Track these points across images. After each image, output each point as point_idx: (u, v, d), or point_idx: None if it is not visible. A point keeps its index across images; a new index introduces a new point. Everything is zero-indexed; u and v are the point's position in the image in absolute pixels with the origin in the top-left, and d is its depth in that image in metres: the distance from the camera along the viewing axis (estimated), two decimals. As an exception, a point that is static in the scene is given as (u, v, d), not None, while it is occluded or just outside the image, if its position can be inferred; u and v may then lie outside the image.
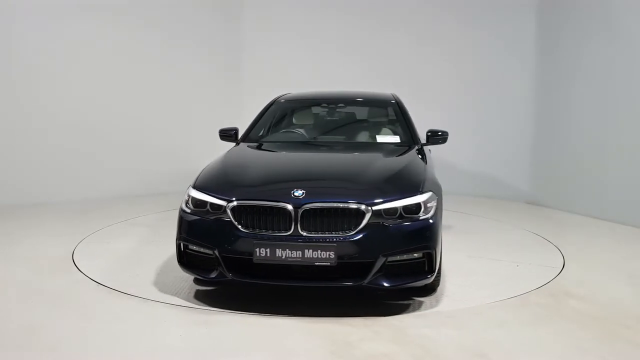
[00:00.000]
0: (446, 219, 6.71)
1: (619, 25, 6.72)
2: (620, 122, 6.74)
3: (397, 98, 5.61)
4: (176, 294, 4.15)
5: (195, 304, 3.92)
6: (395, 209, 3.73)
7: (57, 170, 7.60)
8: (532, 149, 8.21)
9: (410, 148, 4.85)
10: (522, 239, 6.01)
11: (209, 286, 4.23)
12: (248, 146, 5.05)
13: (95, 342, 3.39)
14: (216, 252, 3.75)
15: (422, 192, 3.87)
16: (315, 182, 4.07)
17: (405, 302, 4.05)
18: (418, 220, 3.75)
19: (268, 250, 3.64)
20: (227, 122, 5.94)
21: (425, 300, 4.02)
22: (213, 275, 3.81)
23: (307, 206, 3.67)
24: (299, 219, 3.66)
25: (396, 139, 5.13)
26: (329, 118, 5.82)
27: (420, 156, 4.75)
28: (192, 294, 4.16)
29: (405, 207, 3.75)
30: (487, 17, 8.40)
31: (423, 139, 5.14)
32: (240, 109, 7.90)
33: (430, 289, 4.12)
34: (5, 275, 4.57)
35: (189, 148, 8.23)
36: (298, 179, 4.06)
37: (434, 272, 3.80)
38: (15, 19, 7.24)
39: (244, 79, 8.85)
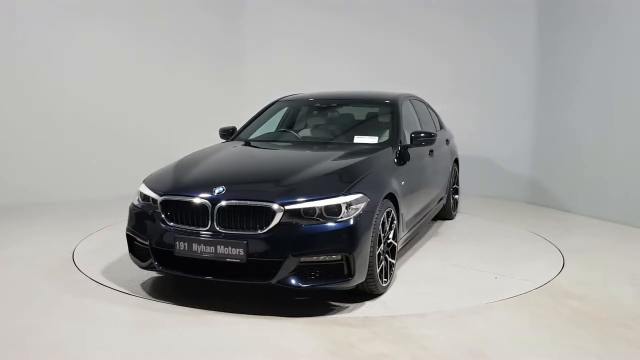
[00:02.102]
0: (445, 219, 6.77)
1: (619, 26, 6.72)
2: (620, 122, 6.74)
3: (398, 99, 5.48)
4: (176, 294, 4.16)
5: (196, 304, 3.91)
6: (313, 209, 3.71)
7: (58, 170, 7.60)
8: (532, 148, 8.21)
9: (386, 149, 4.74)
10: (521, 240, 6.01)
11: (160, 274, 4.35)
12: (229, 144, 5.21)
13: (95, 342, 3.39)
14: (148, 243, 3.97)
15: (346, 194, 3.81)
16: (240, 180, 4.13)
17: (405, 302, 4.06)
18: (335, 221, 3.72)
19: (186, 244, 3.77)
20: (227, 122, 6.02)
21: (350, 305, 3.94)
22: (145, 264, 4.06)
23: (223, 203, 3.75)
24: (215, 215, 3.74)
25: (374, 139, 5.00)
26: (321, 119, 5.84)
27: (398, 158, 4.74)
28: (193, 294, 4.17)
29: (326, 208, 3.72)
30: (487, 18, 8.40)
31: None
32: (241, 110, 7.90)
33: (370, 294, 4.05)
34: (6, 275, 4.57)
35: (190, 148, 8.20)
36: (226, 176, 4.13)
37: (354, 275, 3.73)
38: (17, 20, 7.24)
39: (244, 80, 8.84)
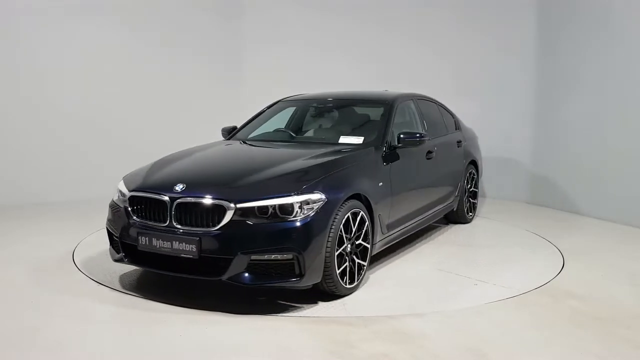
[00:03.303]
0: (444, 220, 6.71)
1: (619, 26, 6.72)
2: (620, 122, 6.74)
3: (395, 100, 5.39)
4: (176, 294, 4.16)
5: (195, 304, 3.92)
6: (266, 208, 3.74)
7: (58, 170, 7.61)
8: (532, 148, 8.21)
9: (365, 150, 4.71)
10: (521, 240, 6.00)
11: (131, 267, 4.44)
12: (216, 143, 5.34)
13: (95, 342, 3.39)
14: (118, 237, 4.16)
15: (300, 193, 3.81)
16: (202, 178, 4.18)
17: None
18: (286, 220, 3.73)
19: (147, 239, 3.91)
20: (227, 123, 6.08)
21: (303, 305, 3.92)
22: (117, 257, 4.21)
23: (180, 200, 3.85)
24: (173, 211, 3.84)
25: (360, 140, 4.92)
26: (318, 119, 5.83)
27: (383, 159, 4.71)
28: (192, 294, 4.17)
29: (279, 207, 3.74)
30: (487, 17, 8.40)
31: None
32: (241, 110, 7.90)
33: (332, 294, 4.03)
34: (6, 276, 4.57)
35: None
36: (190, 174, 4.23)
37: (304, 275, 3.73)
38: (17, 20, 7.25)
39: (245, 80, 8.83)
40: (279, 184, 3.94)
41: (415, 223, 5.34)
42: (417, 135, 4.93)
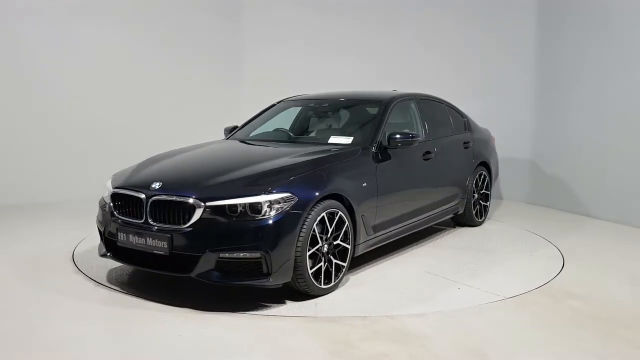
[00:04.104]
0: (445, 221, 6.64)
1: (619, 26, 6.73)
2: (619, 122, 6.74)
3: (391, 100, 5.33)
4: (176, 294, 4.16)
5: (195, 304, 3.92)
6: (235, 207, 3.76)
7: (57, 170, 7.61)
8: (532, 148, 8.22)
9: (350, 150, 4.67)
10: (521, 240, 6.00)
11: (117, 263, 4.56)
12: (207, 143, 5.39)
13: (95, 342, 3.39)
14: (103, 233, 4.31)
15: (269, 193, 3.82)
16: (178, 177, 4.24)
17: (405, 302, 4.05)
18: (255, 219, 3.75)
19: (125, 235, 4.03)
20: (227, 123, 6.11)
21: (273, 304, 3.92)
22: (102, 252, 4.34)
23: (155, 198, 3.94)
24: (148, 208, 3.93)
25: (349, 140, 4.89)
26: (316, 119, 5.84)
27: (373, 159, 4.68)
28: (192, 294, 4.17)
29: (249, 206, 3.76)
30: (487, 17, 8.41)
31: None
32: (241, 111, 7.91)
33: (306, 294, 4.02)
34: (6, 275, 4.57)
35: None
36: (169, 173, 4.31)
37: (271, 274, 3.75)
38: (17, 20, 7.26)
39: (244, 81, 8.83)
40: (249, 183, 3.97)
41: (410, 225, 5.22)
42: (409, 135, 4.87)
